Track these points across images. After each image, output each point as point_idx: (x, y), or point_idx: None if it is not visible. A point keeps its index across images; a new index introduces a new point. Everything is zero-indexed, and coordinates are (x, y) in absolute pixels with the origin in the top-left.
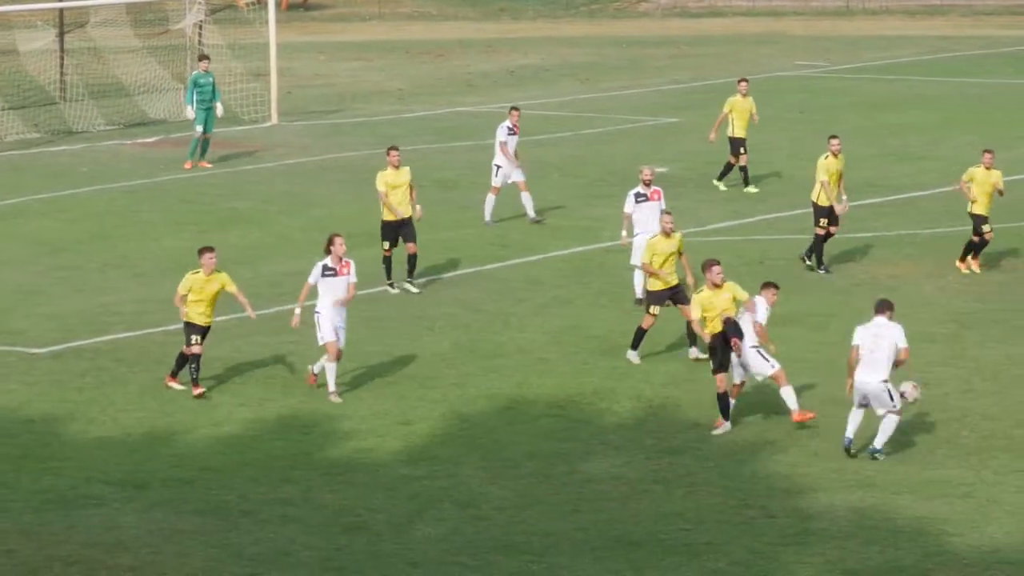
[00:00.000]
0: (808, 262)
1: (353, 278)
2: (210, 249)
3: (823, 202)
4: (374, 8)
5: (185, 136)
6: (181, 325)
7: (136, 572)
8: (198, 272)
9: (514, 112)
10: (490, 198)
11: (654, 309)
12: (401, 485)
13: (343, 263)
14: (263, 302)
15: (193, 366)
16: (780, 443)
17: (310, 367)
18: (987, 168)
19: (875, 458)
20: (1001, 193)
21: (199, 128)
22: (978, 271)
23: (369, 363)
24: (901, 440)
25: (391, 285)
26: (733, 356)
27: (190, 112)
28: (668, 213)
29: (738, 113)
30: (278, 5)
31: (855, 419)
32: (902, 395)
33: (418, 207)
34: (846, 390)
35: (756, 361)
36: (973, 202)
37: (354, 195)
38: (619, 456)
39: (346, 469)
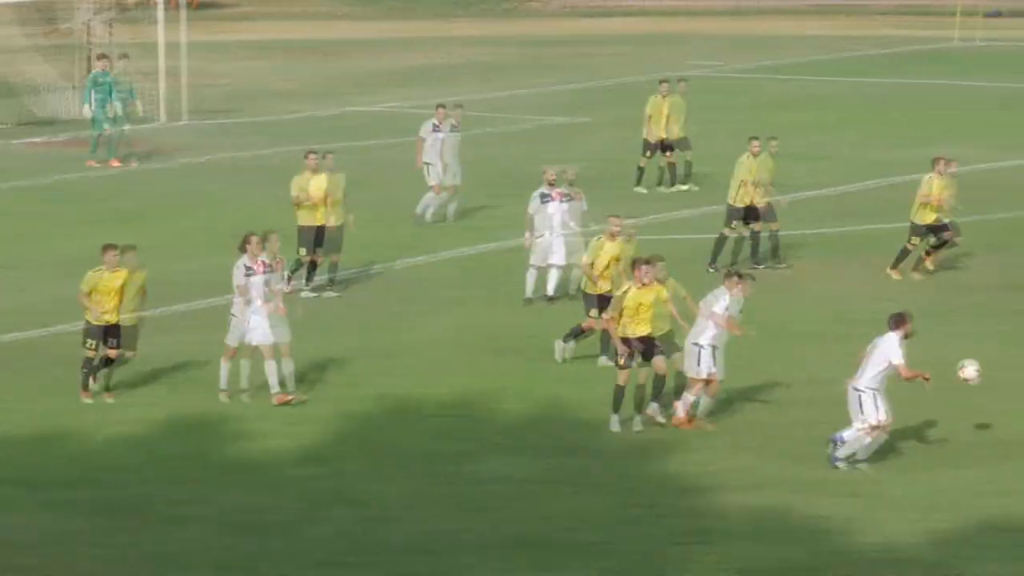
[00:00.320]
0: (757, 264)
1: (281, 279)
2: (113, 247)
3: (738, 203)
4: (271, 7)
5: (81, 135)
6: (77, 325)
7: (22, 574)
8: (99, 270)
9: (440, 109)
10: (430, 196)
11: (593, 312)
12: (292, 485)
13: (259, 262)
14: (157, 301)
15: (86, 370)
16: (672, 443)
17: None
18: (941, 175)
19: (835, 467)
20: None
21: (107, 127)
22: (931, 268)
23: (260, 364)
24: (793, 440)
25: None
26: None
27: (87, 111)
28: (617, 216)
29: (657, 114)
30: (188, 5)
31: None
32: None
33: (351, 217)
34: None
35: (690, 360)
36: (936, 210)
37: (248, 195)
38: (509, 456)
39: (238, 469)
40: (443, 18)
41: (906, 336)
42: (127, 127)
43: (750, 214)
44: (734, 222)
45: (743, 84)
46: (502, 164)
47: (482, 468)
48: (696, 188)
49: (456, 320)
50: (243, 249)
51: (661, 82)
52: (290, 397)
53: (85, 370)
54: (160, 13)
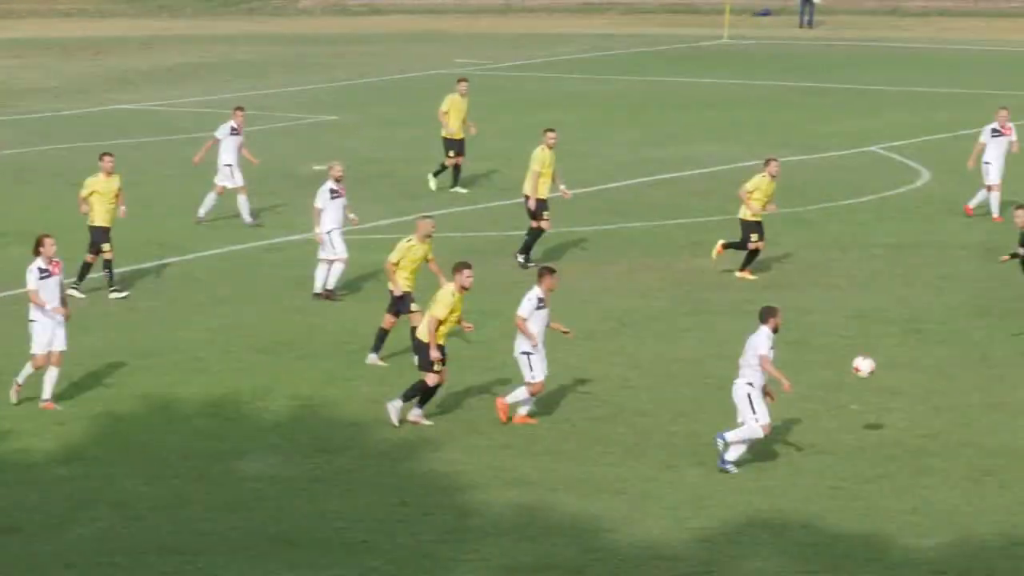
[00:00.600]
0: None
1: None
2: None
3: (542, 194)
4: (38, 4)
5: None
6: None
7: None
8: None
9: (238, 112)
10: (211, 196)
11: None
12: (55, 485)
13: (54, 263)
14: None
15: None
16: (438, 441)
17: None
18: (772, 177)
19: (723, 470)
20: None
21: None
22: (751, 278)
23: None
24: (558, 437)
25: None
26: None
27: None
28: (430, 218)
29: (455, 113)
30: None
31: None
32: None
33: (122, 207)
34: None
35: (523, 367)
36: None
37: (7, 194)
38: (275, 455)
39: (2, 469)
40: (212, 16)
41: (775, 330)
42: None
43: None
44: (545, 212)
45: (510, 82)
46: (268, 163)
47: (248, 467)
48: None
49: (223, 319)
50: (37, 252)
51: (459, 81)
52: (54, 406)
53: None
54: None
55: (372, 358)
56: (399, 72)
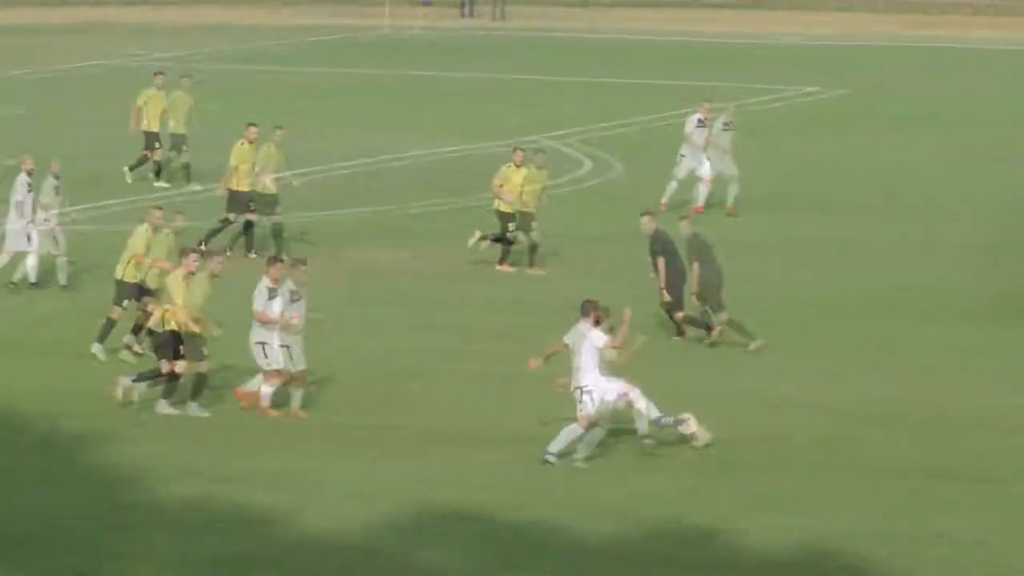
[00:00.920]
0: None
1: None
2: None
3: (241, 188)
4: None
5: None
6: None
7: None
8: None
9: None
10: None
11: (125, 303)
12: None
13: None
14: None
15: None
16: (108, 435)
17: None
18: (517, 166)
19: (546, 462)
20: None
21: None
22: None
23: None
24: (227, 429)
25: None
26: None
27: None
28: (159, 208)
29: (154, 106)
30: None
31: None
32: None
33: None
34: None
35: (257, 356)
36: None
37: None
38: None
39: None
40: None
41: (597, 322)
42: None
43: (248, 201)
44: (251, 204)
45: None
46: None
47: None
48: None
49: None
50: None
51: (156, 74)
52: None
53: None
54: None
55: (96, 348)
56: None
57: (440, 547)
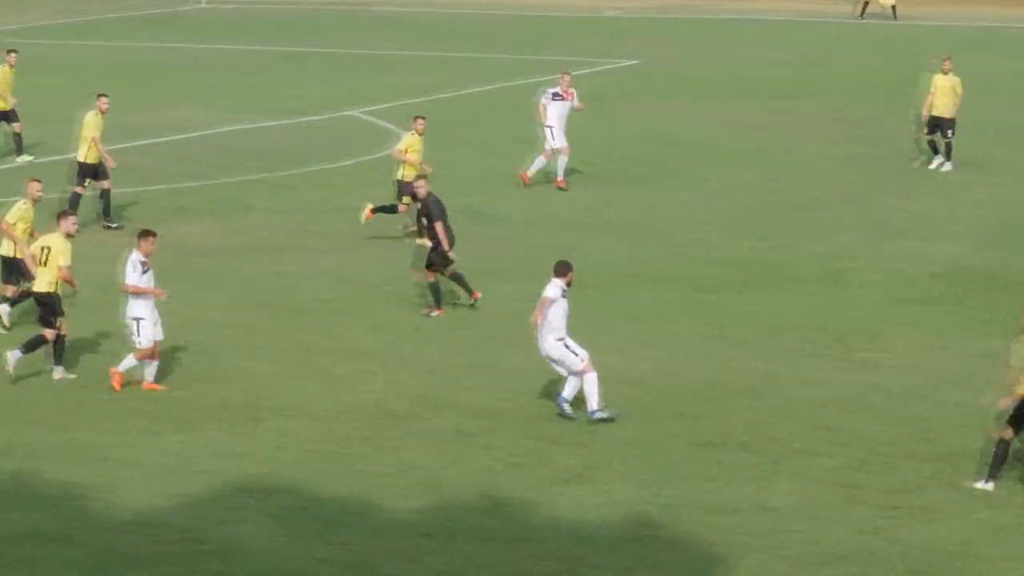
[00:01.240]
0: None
1: None
2: None
3: (90, 160)
4: None
5: None
6: None
7: None
8: None
9: None
10: None
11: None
12: None
13: None
14: None
15: None
16: None
17: None
18: (420, 134)
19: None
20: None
21: None
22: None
23: None
24: (40, 404)
25: None
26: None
27: None
28: (37, 180)
29: (3, 84)
30: None
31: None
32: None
33: None
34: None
35: (131, 332)
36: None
37: None
38: None
39: None
40: None
41: (568, 284)
42: None
43: (100, 170)
44: (87, 179)
45: None
46: None
47: None
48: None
49: None
50: None
51: (8, 52)
52: None
53: None
54: None
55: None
56: None
57: (255, 522)
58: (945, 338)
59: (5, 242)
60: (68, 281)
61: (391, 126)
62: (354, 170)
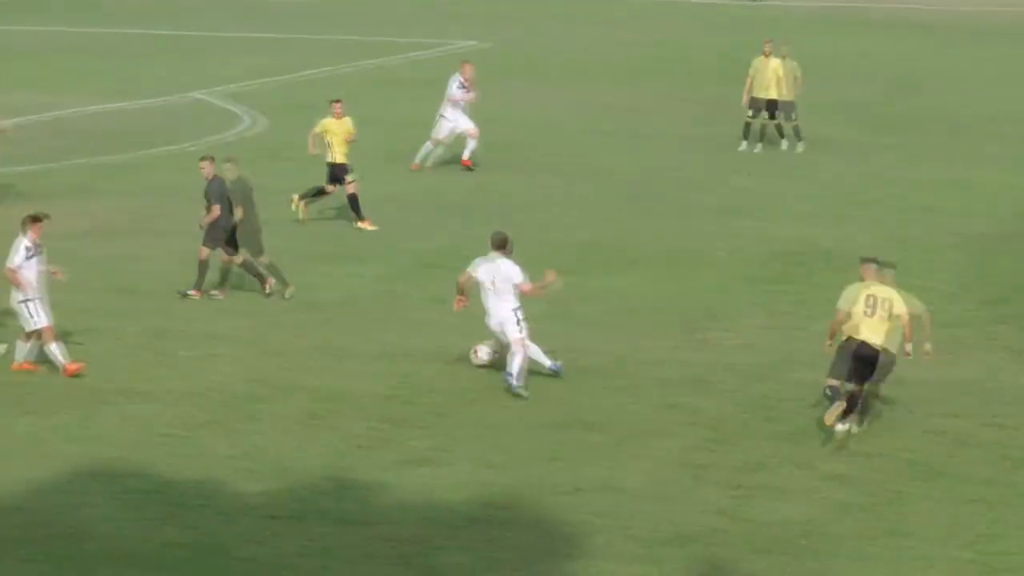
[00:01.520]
0: None
1: None
2: None
3: None
4: None
5: None
6: None
7: None
8: None
9: None
10: None
11: None
12: None
13: None
14: None
15: None
16: None
17: None
18: (338, 118)
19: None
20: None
21: None
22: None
23: None
24: None
25: None
26: None
27: None
28: None
29: None
30: None
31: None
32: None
33: None
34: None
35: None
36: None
37: None
38: None
39: None
40: None
41: (509, 252)
42: None
43: None
44: None
45: None
46: None
47: None
48: None
49: None
50: None
51: None
52: None
53: None
54: None
55: None
56: None
57: (103, 505)
58: (789, 316)
59: None
60: None
61: (236, 108)
62: (200, 152)
